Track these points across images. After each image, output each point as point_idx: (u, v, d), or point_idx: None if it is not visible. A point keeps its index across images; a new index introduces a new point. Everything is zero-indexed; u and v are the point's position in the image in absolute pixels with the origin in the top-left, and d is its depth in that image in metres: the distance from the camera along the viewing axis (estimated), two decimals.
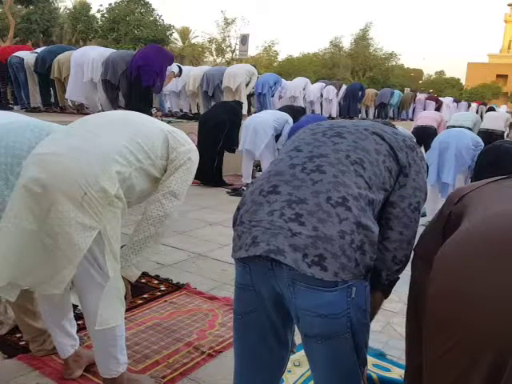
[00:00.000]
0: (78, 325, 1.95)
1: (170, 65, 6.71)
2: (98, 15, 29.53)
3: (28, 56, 6.79)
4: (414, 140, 1.48)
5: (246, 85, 8.01)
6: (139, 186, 1.64)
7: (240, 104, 6.68)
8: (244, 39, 15.90)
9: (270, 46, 36.78)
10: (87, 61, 6.40)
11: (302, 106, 9.03)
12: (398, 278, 1.32)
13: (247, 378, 1.37)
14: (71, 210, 1.45)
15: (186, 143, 1.76)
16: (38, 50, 7.20)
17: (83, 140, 1.58)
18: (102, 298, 1.54)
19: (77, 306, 1.87)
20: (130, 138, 1.62)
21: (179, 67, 7.41)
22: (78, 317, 2.00)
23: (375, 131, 1.34)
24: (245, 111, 7.19)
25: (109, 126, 1.68)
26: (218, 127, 5.88)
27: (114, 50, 7.03)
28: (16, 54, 6.84)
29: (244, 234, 1.19)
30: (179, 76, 7.54)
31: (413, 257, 1.31)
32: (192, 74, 8.38)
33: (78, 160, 1.50)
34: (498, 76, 48.45)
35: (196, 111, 8.57)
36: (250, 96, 8.56)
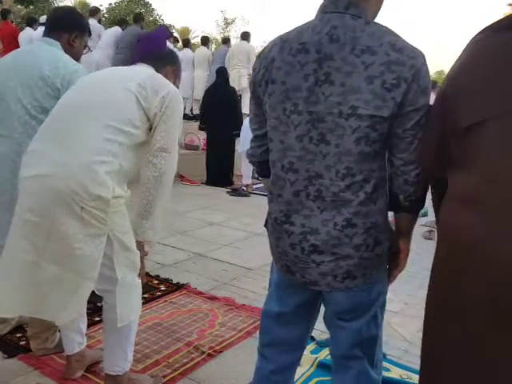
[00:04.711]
0: None
1: None
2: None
3: None
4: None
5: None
6: (133, 163, 1.60)
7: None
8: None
9: None
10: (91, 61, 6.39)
11: None
12: (420, 201, 1.27)
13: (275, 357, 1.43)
14: (74, 225, 1.43)
15: (159, 90, 1.60)
16: None
17: (64, 148, 1.49)
18: (119, 295, 1.56)
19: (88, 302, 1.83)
20: (106, 125, 1.52)
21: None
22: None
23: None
24: (245, 111, 7.17)
25: (81, 117, 1.56)
26: (225, 102, 5.94)
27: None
28: None
29: (277, 250, 1.30)
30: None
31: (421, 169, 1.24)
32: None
33: (64, 179, 1.44)
34: None
35: (196, 112, 8.56)
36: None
